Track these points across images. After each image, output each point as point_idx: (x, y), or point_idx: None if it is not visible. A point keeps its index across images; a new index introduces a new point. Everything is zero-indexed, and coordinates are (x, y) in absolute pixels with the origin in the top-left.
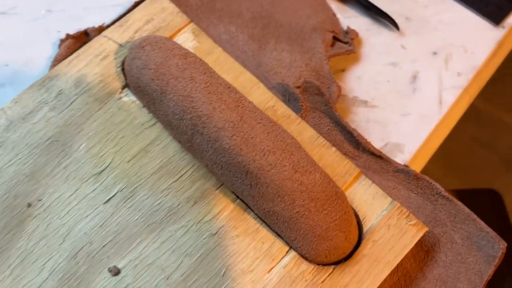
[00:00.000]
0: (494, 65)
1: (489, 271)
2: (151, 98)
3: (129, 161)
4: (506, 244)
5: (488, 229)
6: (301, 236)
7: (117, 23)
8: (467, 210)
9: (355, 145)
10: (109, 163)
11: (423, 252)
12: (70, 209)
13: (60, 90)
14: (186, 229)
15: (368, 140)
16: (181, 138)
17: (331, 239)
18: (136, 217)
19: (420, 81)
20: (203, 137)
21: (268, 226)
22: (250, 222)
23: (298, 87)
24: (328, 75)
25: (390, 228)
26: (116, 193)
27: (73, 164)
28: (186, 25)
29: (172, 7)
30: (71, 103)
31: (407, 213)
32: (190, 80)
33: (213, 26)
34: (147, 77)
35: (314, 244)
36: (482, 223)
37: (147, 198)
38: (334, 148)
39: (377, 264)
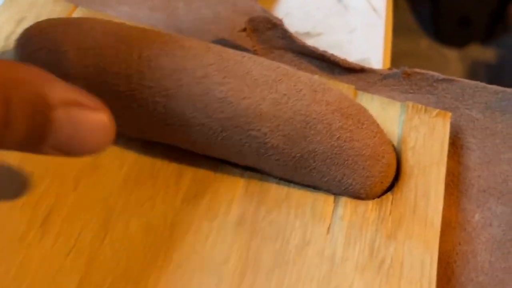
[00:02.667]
0: None
1: None
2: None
3: None
4: None
5: (502, 88)
6: (350, 167)
7: None
8: (472, 82)
9: (329, 70)
10: None
11: (450, 145)
12: None
13: None
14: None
15: (343, 58)
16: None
17: (383, 156)
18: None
19: None
20: (182, 100)
21: (297, 183)
22: (274, 190)
23: (244, 29)
24: (263, 12)
25: (419, 129)
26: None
27: None
28: (73, 11)
29: None
30: None
31: (423, 107)
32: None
33: (99, 14)
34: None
35: (368, 170)
36: (493, 86)
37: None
38: (316, 76)
39: (430, 168)
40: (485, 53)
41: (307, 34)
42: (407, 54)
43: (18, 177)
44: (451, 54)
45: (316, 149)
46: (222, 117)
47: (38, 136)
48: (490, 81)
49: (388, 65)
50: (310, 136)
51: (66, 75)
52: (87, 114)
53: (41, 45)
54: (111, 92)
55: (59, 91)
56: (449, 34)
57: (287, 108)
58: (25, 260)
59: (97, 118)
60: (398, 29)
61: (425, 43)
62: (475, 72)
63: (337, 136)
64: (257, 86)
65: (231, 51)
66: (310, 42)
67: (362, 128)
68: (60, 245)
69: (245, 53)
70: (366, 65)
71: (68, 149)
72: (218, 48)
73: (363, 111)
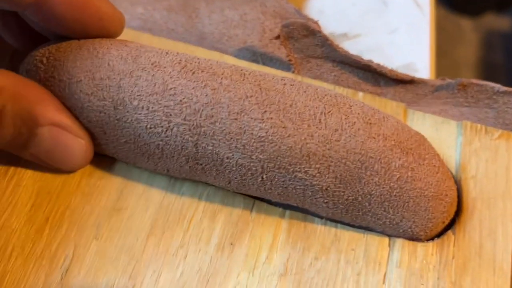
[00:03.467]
0: None
1: None
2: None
3: None
4: None
5: None
6: (411, 209)
7: None
8: None
9: (374, 81)
10: None
11: None
12: None
13: None
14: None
15: (390, 68)
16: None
17: (446, 194)
18: None
19: None
20: (215, 139)
21: (347, 224)
22: (320, 232)
23: (277, 37)
24: (297, 13)
25: (479, 154)
26: None
27: None
28: None
29: None
30: None
31: (483, 128)
32: (154, 67)
33: None
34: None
35: (430, 212)
36: None
37: None
38: (360, 93)
39: (495, 201)
40: (500, 22)
41: (344, 35)
42: None
43: (31, 225)
44: (466, 24)
45: (373, 192)
46: (263, 158)
47: (21, 144)
48: (506, 50)
49: (436, 71)
50: (366, 178)
51: (80, 109)
52: (68, 137)
53: (49, 74)
54: (131, 128)
55: (49, 112)
56: (464, 3)
57: (339, 147)
58: None
59: (75, 143)
60: None
61: (440, 13)
62: (490, 41)
63: (397, 177)
64: (303, 121)
65: (269, 76)
66: (348, 44)
67: (423, 164)
68: None
69: (285, 78)
70: (412, 71)
71: (46, 160)
72: (254, 74)
73: (422, 142)
